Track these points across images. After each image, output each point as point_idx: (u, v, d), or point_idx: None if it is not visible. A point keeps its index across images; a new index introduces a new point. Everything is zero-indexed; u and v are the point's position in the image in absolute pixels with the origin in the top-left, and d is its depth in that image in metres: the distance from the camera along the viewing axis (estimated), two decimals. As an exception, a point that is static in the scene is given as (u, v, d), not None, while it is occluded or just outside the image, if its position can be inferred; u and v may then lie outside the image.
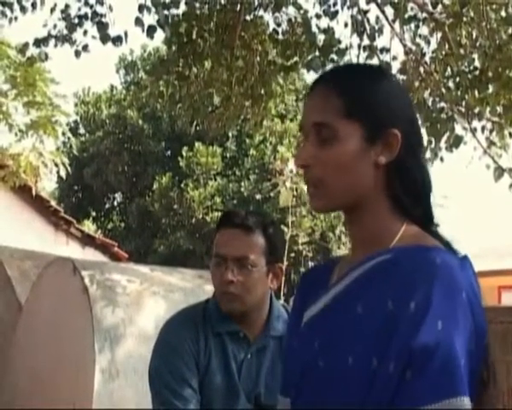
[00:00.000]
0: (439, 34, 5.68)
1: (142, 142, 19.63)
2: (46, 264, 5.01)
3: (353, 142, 1.22)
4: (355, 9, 5.77)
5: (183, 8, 5.83)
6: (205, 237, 16.93)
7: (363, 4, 5.75)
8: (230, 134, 18.47)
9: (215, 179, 18.23)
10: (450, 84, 5.80)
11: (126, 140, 19.80)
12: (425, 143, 5.34)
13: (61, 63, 9.88)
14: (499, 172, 5.72)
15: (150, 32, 5.44)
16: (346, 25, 5.83)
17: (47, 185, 15.80)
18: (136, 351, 4.09)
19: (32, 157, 9.57)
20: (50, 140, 10.05)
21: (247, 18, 5.98)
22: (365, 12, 5.74)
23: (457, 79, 5.62)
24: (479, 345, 1.13)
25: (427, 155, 5.69)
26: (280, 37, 5.92)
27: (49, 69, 9.48)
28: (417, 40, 6.06)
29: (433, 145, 5.76)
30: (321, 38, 5.63)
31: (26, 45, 5.76)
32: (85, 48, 5.65)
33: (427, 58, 6.00)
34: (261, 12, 6.03)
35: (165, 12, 5.59)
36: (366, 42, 5.78)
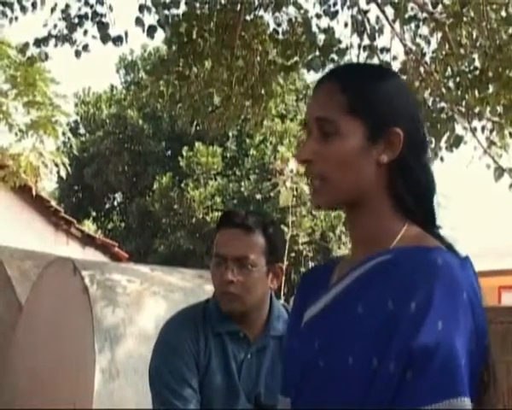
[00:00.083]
0: (440, 34, 5.68)
1: (143, 142, 19.62)
2: (46, 264, 5.02)
3: (355, 139, 1.22)
4: (355, 9, 5.77)
5: (183, 8, 5.83)
6: (205, 236, 16.92)
7: (363, 4, 5.77)
8: (231, 134, 18.47)
9: (215, 179, 18.22)
10: (451, 84, 5.80)
11: (126, 140, 19.80)
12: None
13: (62, 63, 9.89)
14: (499, 172, 5.72)
15: (150, 31, 5.44)
16: (346, 25, 5.84)
17: (47, 185, 15.82)
18: (136, 351, 4.10)
19: (32, 157, 9.57)
20: (50, 140, 10.06)
21: (248, 18, 5.98)
22: (365, 12, 5.75)
23: (458, 79, 5.62)
24: (479, 345, 1.13)
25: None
26: (280, 37, 5.92)
27: (49, 69, 9.49)
28: (417, 40, 6.07)
29: (433, 145, 5.76)
30: (321, 37, 5.64)
31: (26, 45, 5.76)
32: (85, 48, 5.65)
33: (427, 58, 6.00)
34: (261, 12, 6.03)
35: (166, 12, 5.59)
36: (366, 42, 5.79)
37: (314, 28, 5.69)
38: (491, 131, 6.09)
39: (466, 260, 1.21)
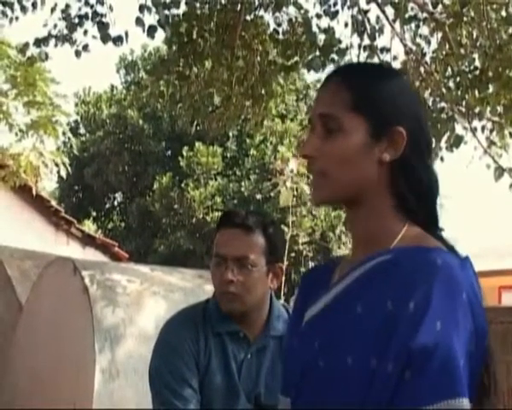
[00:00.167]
0: (440, 34, 5.68)
1: (143, 142, 19.62)
2: (46, 264, 5.02)
3: (358, 136, 1.22)
4: (355, 9, 5.77)
5: (183, 8, 5.83)
6: (205, 236, 16.92)
7: (363, 4, 5.76)
8: (231, 134, 18.47)
9: (215, 179, 18.22)
10: (451, 83, 5.80)
11: (127, 140, 19.80)
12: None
13: (62, 63, 9.89)
14: (499, 171, 5.72)
15: (151, 31, 5.44)
16: (346, 25, 5.84)
17: (47, 185, 15.82)
18: (136, 351, 4.09)
19: (33, 157, 9.57)
20: (51, 140, 10.06)
21: (248, 18, 5.98)
22: (366, 12, 5.74)
23: (458, 79, 5.62)
24: (479, 346, 1.13)
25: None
26: (280, 37, 5.92)
27: (49, 69, 9.49)
28: (418, 40, 6.07)
29: (433, 145, 5.76)
30: (321, 37, 5.64)
31: (26, 45, 5.76)
32: (86, 48, 5.65)
33: (427, 58, 6.01)
34: (262, 12, 6.03)
35: (166, 12, 5.60)
36: (366, 42, 5.78)
37: (314, 28, 5.69)
38: (492, 131, 6.09)
39: (466, 260, 1.21)
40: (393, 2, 5.55)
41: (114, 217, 21.72)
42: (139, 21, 5.38)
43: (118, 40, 5.45)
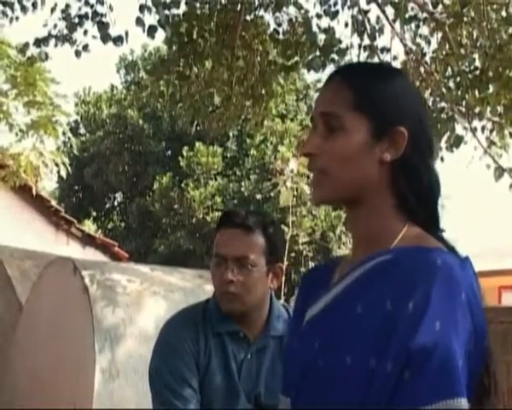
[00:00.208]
0: (440, 34, 5.68)
1: (143, 142, 19.63)
2: (46, 264, 5.01)
3: (359, 135, 1.22)
4: (355, 9, 5.76)
5: (183, 8, 5.83)
6: (205, 236, 16.93)
7: (363, 4, 5.76)
8: (231, 134, 18.47)
9: (215, 179, 18.22)
10: (451, 84, 5.80)
11: (127, 140, 19.80)
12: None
13: (62, 63, 9.89)
14: (499, 171, 5.72)
15: (151, 31, 5.44)
16: (346, 25, 5.84)
17: (47, 185, 15.83)
18: (136, 351, 4.09)
19: (33, 157, 9.57)
20: (51, 140, 10.06)
21: (248, 18, 5.98)
22: (366, 12, 5.74)
23: (458, 79, 5.62)
24: (478, 346, 1.13)
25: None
26: (280, 37, 5.92)
27: (49, 69, 9.49)
28: (418, 40, 6.07)
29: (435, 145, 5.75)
30: (321, 37, 5.63)
31: (26, 45, 5.76)
32: (86, 48, 5.65)
33: (427, 58, 6.01)
34: (262, 12, 6.03)
35: (166, 12, 5.59)
36: (367, 42, 5.78)
37: (314, 28, 5.69)
38: (492, 131, 6.09)
39: (466, 260, 1.21)
40: (393, 2, 5.55)
41: (114, 217, 21.72)
42: (139, 21, 5.38)
43: (118, 40, 5.45)
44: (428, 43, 6.03)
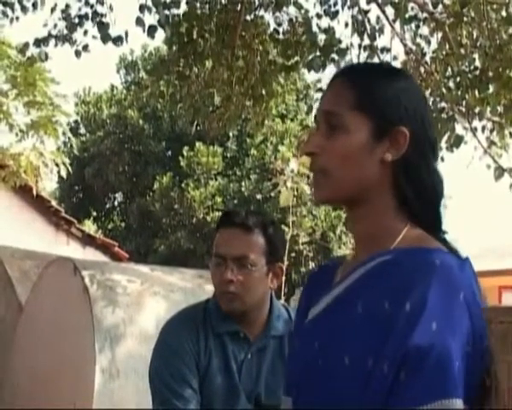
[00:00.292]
0: (440, 34, 5.68)
1: (143, 142, 19.62)
2: (47, 264, 5.01)
3: (360, 135, 1.23)
4: (355, 9, 5.76)
5: (183, 7, 5.84)
6: (205, 236, 16.93)
7: (363, 4, 5.76)
8: (231, 134, 18.46)
9: (216, 179, 18.22)
10: (451, 84, 5.80)
11: (127, 140, 19.79)
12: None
13: (62, 63, 9.89)
14: (499, 171, 5.71)
15: (151, 31, 5.44)
16: (346, 25, 5.84)
17: (47, 185, 15.79)
18: (136, 351, 4.09)
19: (33, 157, 9.57)
20: (51, 140, 10.06)
21: (248, 18, 5.98)
22: (366, 12, 5.74)
23: (458, 79, 5.62)
24: (477, 347, 1.12)
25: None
26: (280, 36, 5.92)
27: (49, 69, 9.49)
28: (418, 40, 6.07)
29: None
30: (321, 37, 5.63)
31: (26, 45, 5.75)
32: (86, 48, 5.65)
33: (427, 58, 6.01)
34: (262, 12, 6.03)
35: (166, 12, 5.60)
36: (367, 42, 5.78)
37: (314, 28, 5.69)
38: (492, 131, 6.09)
39: (465, 261, 1.20)
40: (393, 2, 5.55)
41: (115, 217, 21.72)
42: (139, 21, 5.38)
43: (118, 40, 5.45)
44: (428, 43, 6.03)
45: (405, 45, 5.94)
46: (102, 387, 4.01)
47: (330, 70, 5.65)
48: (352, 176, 1.23)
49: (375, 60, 5.68)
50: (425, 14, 5.77)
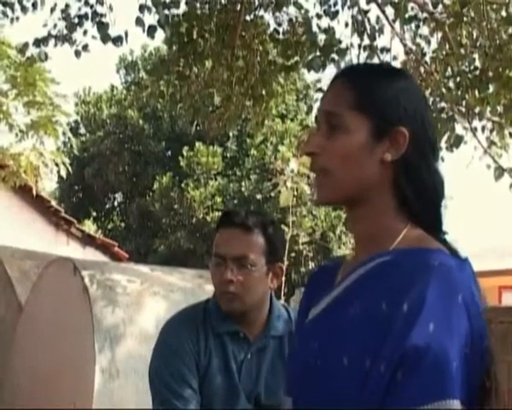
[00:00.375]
0: (440, 34, 5.68)
1: (143, 142, 19.63)
2: (46, 264, 5.01)
3: (360, 135, 1.23)
4: (355, 9, 5.76)
5: (183, 7, 5.83)
6: (205, 236, 16.93)
7: (363, 4, 5.76)
8: (231, 134, 18.46)
9: (216, 179, 18.22)
10: (451, 83, 5.80)
11: (127, 140, 19.80)
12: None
13: (62, 63, 9.89)
14: (499, 171, 5.71)
15: (151, 31, 5.44)
16: (346, 25, 5.83)
17: (47, 185, 15.80)
18: (136, 351, 4.09)
19: (33, 157, 9.56)
20: (51, 140, 10.05)
21: (248, 18, 5.98)
22: (366, 12, 5.74)
23: (458, 79, 5.62)
24: (475, 348, 1.12)
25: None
26: (280, 36, 5.92)
27: (49, 69, 9.48)
28: (418, 40, 6.07)
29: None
30: (321, 37, 5.63)
31: (25, 45, 5.75)
32: (85, 48, 5.65)
33: (427, 58, 6.01)
34: (262, 12, 6.03)
35: (166, 12, 5.59)
36: (366, 42, 5.78)
37: (314, 28, 5.69)
38: (492, 131, 6.09)
39: (465, 261, 1.20)
40: (393, 2, 5.55)
41: (114, 217, 21.72)
42: (139, 21, 5.38)
43: (118, 40, 5.45)
44: (428, 43, 6.03)
45: (405, 45, 5.94)
46: (102, 387, 4.01)
47: (330, 70, 5.65)
48: (352, 176, 1.23)
49: (375, 60, 5.68)
50: (425, 14, 5.77)
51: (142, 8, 5.43)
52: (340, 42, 5.56)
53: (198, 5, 5.89)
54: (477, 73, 5.43)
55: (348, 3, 5.85)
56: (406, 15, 5.72)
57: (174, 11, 5.72)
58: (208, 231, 16.51)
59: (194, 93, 6.18)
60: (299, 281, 16.54)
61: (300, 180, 12.30)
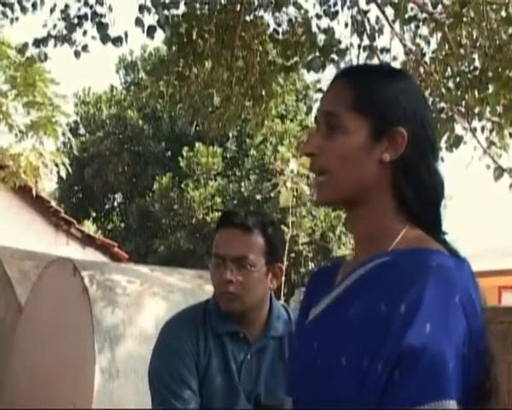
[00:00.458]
0: (439, 34, 5.69)
1: (143, 142, 19.63)
2: (46, 264, 5.01)
3: (359, 135, 1.23)
4: (355, 10, 5.77)
5: (183, 8, 5.84)
6: (205, 237, 16.93)
7: (363, 4, 5.77)
8: (231, 134, 18.46)
9: (215, 180, 18.22)
10: (450, 84, 5.80)
11: (126, 140, 19.80)
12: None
13: (61, 63, 9.88)
14: (499, 172, 5.71)
15: (150, 32, 5.44)
16: (346, 25, 5.84)
17: (47, 186, 15.79)
18: (136, 351, 4.09)
19: (33, 157, 9.57)
20: (50, 140, 10.06)
21: (248, 18, 5.98)
22: (365, 12, 5.74)
23: (457, 79, 5.62)
24: (473, 348, 1.12)
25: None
26: (280, 37, 5.92)
27: (49, 69, 9.49)
28: (417, 40, 6.08)
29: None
30: (321, 38, 5.64)
31: (25, 45, 5.75)
32: (85, 48, 5.65)
33: (427, 58, 6.01)
34: (261, 12, 6.03)
35: (166, 12, 5.60)
36: (366, 42, 5.78)
37: (314, 28, 5.69)
38: (491, 131, 6.09)
39: (463, 262, 1.20)
40: (393, 2, 5.56)
41: (114, 217, 21.72)
42: (139, 22, 5.38)
43: (117, 41, 5.45)
44: (428, 43, 6.03)
45: (405, 46, 5.94)
46: (102, 387, 4.01)
47: (330, 70, 5.66)
48: (351, 176, 1.23)
49: (375, 60, 5.68)
50: (424, 15, 5.77)
51: (141, 8, 5.43)
52: (339, 42, 5.57)
53: (198, 5, 5.90)
54: (477, 73, 5.43)
55: (348, 4, 5.85)
56: (406, 16, 5.72)
57: (174, 11, 5.72)
58: (208, 231, 16.51)
59: (193, 93, 6.18)
60: (299, 281, 16.54)
61: (300, 181, 12.31)
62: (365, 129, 1.23)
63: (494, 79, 5.24)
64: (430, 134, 1.28)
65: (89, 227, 16.95)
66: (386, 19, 5.77)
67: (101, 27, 5.48)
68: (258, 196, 17.56)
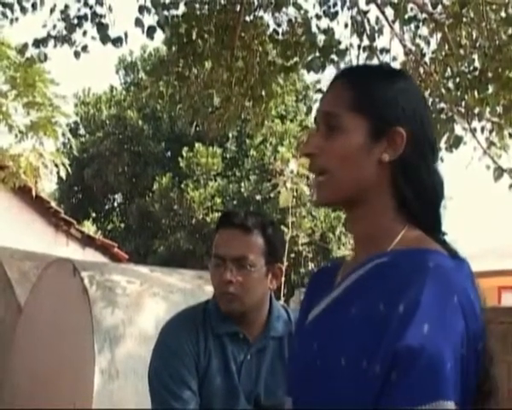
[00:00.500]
0: (439, 35, 5.69)
1: (142, 142, 19.62)
2: (46, 265, 5.01)
3: (358, 135, 1.23)
4: (355, 10, 5.77)
5: (182, 8, 5.84)
6: (205, 237, 16.92)
7: (362, 5, 5.77)
8: (230, 135, 18.45)
9: (215, 180, 18.22)
10: (450, 84, 5.80)
11: (126, 141, 19.79)
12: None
13: (61, 64, 9.89)
14: (499, 172, 5.71)
15: (150, 32, 5.44)
16: (346, 25, 5.84)
17: (47, 186, 15.77)
18: (135, 352, 4.09)
19: (32, 158, 9.56)
20: (50, 141, 10.06)
21: (247, 18, 5.98)
22: (365, 12, 5.75)
23: (457, 80, 5.62)
24: (471, 349, 1.12)
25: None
26: (280, 37, 5.92)
27: (48, 70, 9.49)
28: (417, 41, 6.08)
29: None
30: (321, 38, 5.64)
31: (25, 46, 5.75)
32: (85, 48, 5.65)
33: (426, 59, 6.01)
34: (261, 12, 6.04)
35: (165, 13, 5.60)
36: (366, 42, 5.78)
37: (314, 29, 5.70)
38: (491, 131, 6.09)
39: (462, 262, 1.20)
40: (393, 2, 5.56)
41: (114, 218, 21.71)
42: (138, 22, 5.38)
43: (117, 41, 5.45)
44: (428, 43, 6.04)
45: (405, 46, 5.94)
46: (102, 387, 4.01)
47: (329, 71, 5.66)
48: (350, 176, 1.24)
49: (375, 60, 5.69)
50: (424, 15, 5.77)
51: (141, 8, 5.43)
52: (339, 42, 5.57)
53: (197, 6, 5.90)
54: (476, 73, 5.43)
55: (348, 4, 5.86)
56: (406, 16, 5.73)
57: (173, 12, 5.73)
58: (208, 231, 16.50)
59: (193, 94, 6.18)
60: (299, 282, 16.53)
61: (300, 181, 12.30)
62: (365, 129, 1.23)
63: (494, 80, 5.24)
64: (430, 134, 1.28)
65: (88, 228, 16.94)
66: (386, 19, 5.77)
67: (101, 28, 5.49)
68: (258, 197, 17.55)
